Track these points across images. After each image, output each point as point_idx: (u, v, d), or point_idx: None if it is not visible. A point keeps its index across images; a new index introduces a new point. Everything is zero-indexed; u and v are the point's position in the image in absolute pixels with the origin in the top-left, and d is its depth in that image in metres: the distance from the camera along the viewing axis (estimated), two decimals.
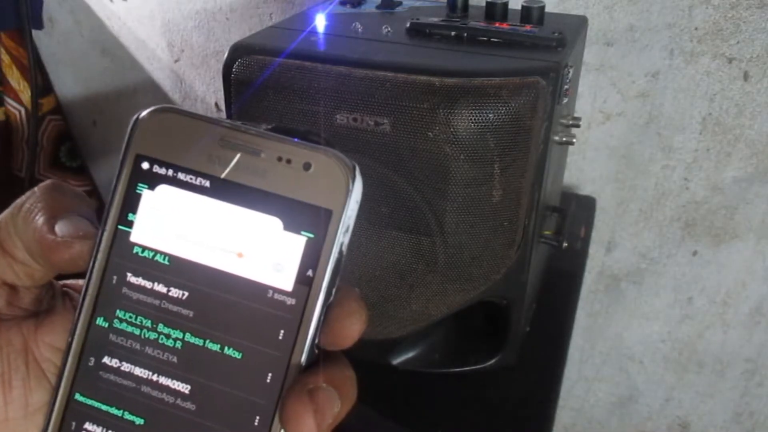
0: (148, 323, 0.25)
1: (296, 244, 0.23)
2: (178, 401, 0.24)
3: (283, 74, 0.49)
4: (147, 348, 0.25)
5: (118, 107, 1.20)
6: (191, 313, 0.24)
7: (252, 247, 0.24)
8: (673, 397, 1.00)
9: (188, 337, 0.24)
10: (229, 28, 0.99)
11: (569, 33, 0.53)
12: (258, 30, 0.56)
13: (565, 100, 0.52)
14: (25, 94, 1.14)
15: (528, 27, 0.53)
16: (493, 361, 0.60)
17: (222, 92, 0.52)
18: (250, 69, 0.50)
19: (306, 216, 0.23)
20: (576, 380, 1.04)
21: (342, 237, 0.23)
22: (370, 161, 0.49)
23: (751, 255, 0.84)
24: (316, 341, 0.24)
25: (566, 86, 0.51)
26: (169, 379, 0.24)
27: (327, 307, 0.24)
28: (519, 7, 0.56)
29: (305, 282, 0.23)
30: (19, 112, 1.15)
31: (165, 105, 0.24)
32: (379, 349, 0.60)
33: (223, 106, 0.65)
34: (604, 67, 0.79)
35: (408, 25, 0.55)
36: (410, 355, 0.61)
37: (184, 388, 0.24)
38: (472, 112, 0.46)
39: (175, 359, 0.24)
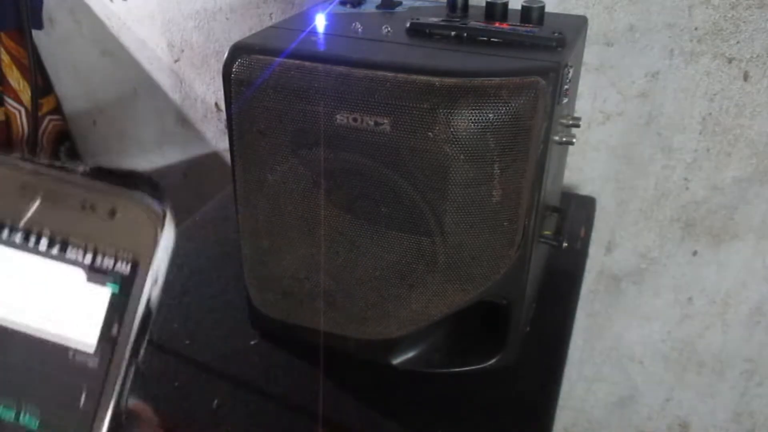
0: None
1: (100, 297, 0.22)
2: None
3: (283, 74, 0.49)
4: None
5: (118, 107, 1.19)
6: None
7: (52, 301, 0.22)
8: (673, 397, 1.00)
9: None
10: (229, 28, 0.99)
11: (569, 33, 0.53)
12: (258, 30, 0.56)
13: (565, 100, 0.52)
14: (25, 94, 1.14)
15: (528, 27, 0.53)
16: (493, 361, 0.60)
17: (222, 92, 0.52)
18: (250, 69, 0.50)
19: (111, 267, 0.22)
20: (576, 380, 1.04)
21: (150, 290, 0.22)
22: (370, 161, 0.49)
23: (751, 255, 0.84)
24: (122, 406, 0.22)
25: (566, 86, 0.50)
26: None
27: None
28: (519, 7, 0.56)
29: (109, 340, 0.22)
30: (19, 112, 1.15)
31: None
32: (379, 349, 0.60)
33: (223, 106, 0.65)
34: (604, 67, 0.79)
35: (408, 25, 0.55)
36: (410, 355, 0.61)
37: None
38: (472, 112, 0.46)
39: None
